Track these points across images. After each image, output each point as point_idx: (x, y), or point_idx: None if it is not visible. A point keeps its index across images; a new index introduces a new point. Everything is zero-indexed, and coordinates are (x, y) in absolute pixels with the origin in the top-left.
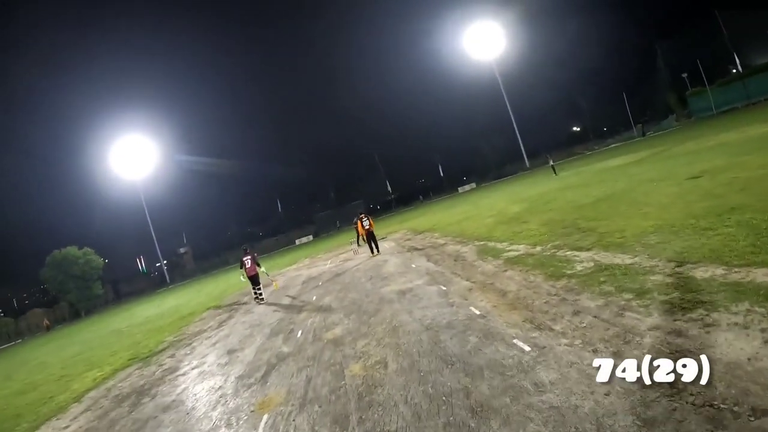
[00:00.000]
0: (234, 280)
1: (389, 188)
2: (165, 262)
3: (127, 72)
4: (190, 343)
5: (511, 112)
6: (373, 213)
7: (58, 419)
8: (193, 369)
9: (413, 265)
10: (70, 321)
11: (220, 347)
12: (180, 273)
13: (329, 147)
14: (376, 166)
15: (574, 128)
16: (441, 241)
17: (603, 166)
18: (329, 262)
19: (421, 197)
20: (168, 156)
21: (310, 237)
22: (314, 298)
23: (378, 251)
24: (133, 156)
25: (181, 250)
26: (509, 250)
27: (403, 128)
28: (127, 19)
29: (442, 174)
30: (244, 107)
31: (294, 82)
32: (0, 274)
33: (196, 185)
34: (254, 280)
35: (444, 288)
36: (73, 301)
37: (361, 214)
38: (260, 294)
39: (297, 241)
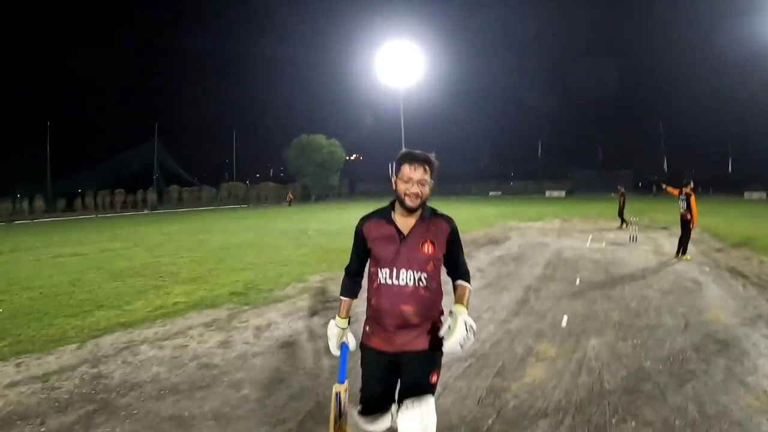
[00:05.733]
0: (466, 215)
1: (665, 167)
2: None
3: None
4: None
5: None
6: (634, 192)
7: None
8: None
9: None
10: (299, 202)
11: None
12: None
13: (608, 103)
14: (658, 139)
15: None
16: None
17: None
18: (590, 238)
19: (699, 188)
20: (436, 69)
21: (563, 193)
22: (564, 320)
23: (684, 254)
24: (400, 63)
25: None
26: None
27: (697, 105)
28: None
29: (730, 170)
30: (529, 36)
31: (595, 26)
32: (251, 146)
33: (458, 107)
34: None
35: None
36: (307, 184)
37: (690, 182)
38: None
39: (547, 193)
